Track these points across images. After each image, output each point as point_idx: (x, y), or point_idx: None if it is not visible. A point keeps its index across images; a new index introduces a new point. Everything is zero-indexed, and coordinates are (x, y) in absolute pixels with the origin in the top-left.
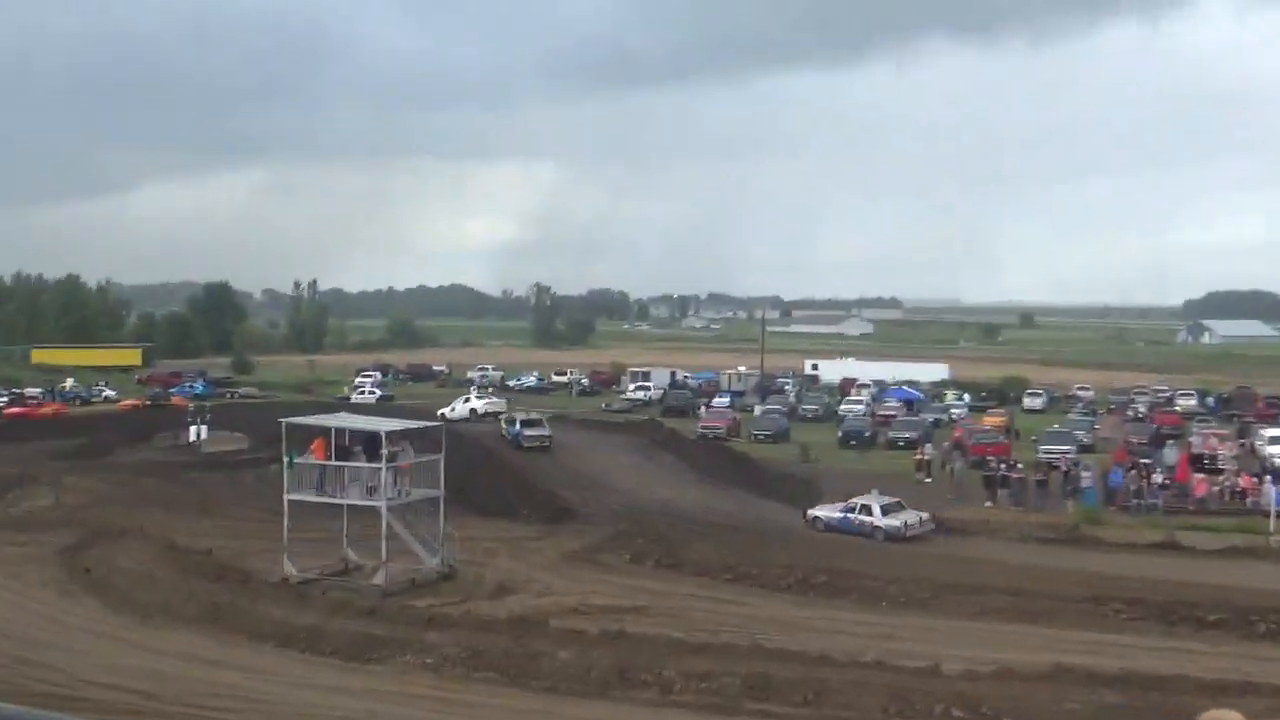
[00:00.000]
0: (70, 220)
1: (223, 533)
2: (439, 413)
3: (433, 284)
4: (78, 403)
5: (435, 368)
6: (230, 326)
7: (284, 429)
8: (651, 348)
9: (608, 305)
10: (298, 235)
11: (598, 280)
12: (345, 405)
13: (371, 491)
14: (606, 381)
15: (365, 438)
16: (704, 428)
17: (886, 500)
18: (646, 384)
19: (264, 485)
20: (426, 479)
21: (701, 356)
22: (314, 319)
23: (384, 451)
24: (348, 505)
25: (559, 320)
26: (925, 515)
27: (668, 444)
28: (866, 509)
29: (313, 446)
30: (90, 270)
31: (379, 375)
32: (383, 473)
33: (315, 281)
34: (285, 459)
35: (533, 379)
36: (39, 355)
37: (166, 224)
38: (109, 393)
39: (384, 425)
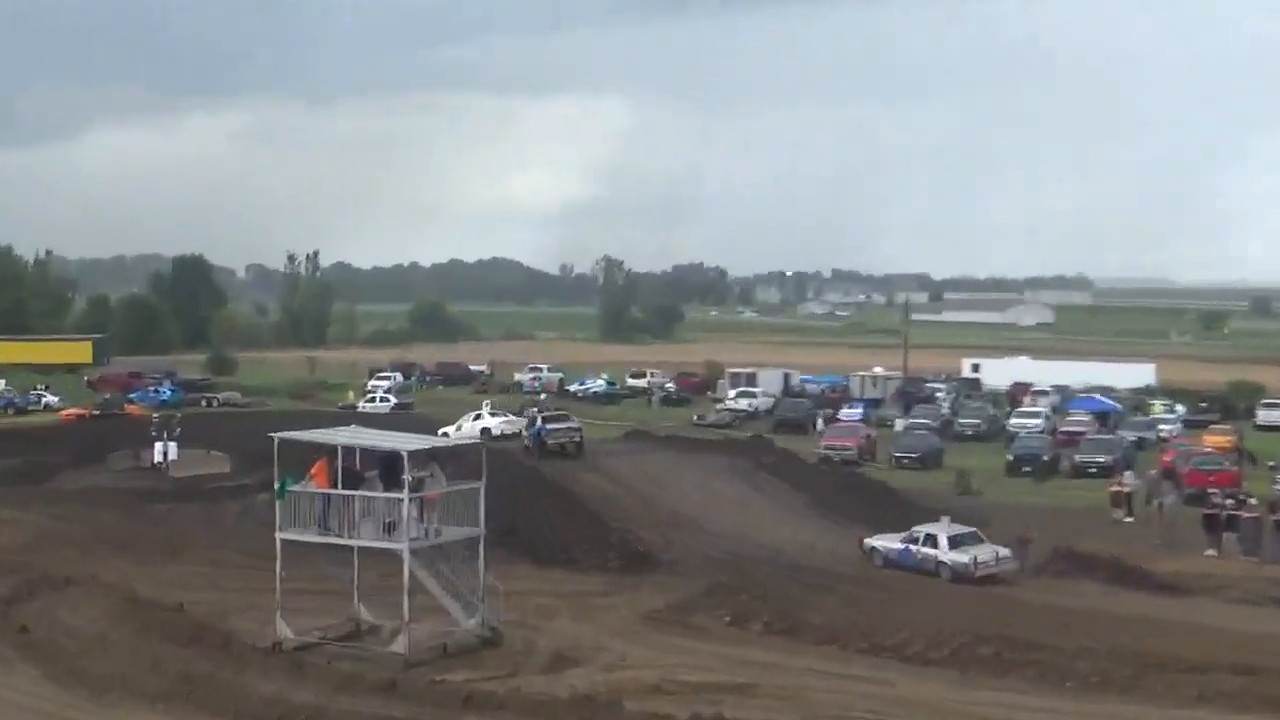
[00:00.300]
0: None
1: (197, 582)
2: (439, 431)
3: (469, 257)
4: (10, 412)
5: (473, 368)
6: (206, 313)
7: (276, 447)
8: (758, 342)
9: (699, 286)
10: (293, 195)
11: (686, 253)
12: (353, 416)
13: (390, 530)
14: (699, 387)
15: (382, 459)
16: (827, 448)
17: (958, 530)
18: (752, 390)
19: (250, 520)
20: (462, 514)
21: (824, 354)
22: (314, 303)
23: (406, 477)
24: (359, 548)
25: (635, 306)
26: (1005, 551)
27: (780, 469)
28: (931, 539)
29: (313, 470)
30: (24, 239)
31: (399, 377)
32: (405, 505)
33: (316, 254)
34: (277, 486)
35: (601, 383)
36: None
37: (123, 180)
38: (50, 399)
39: (407, 443)
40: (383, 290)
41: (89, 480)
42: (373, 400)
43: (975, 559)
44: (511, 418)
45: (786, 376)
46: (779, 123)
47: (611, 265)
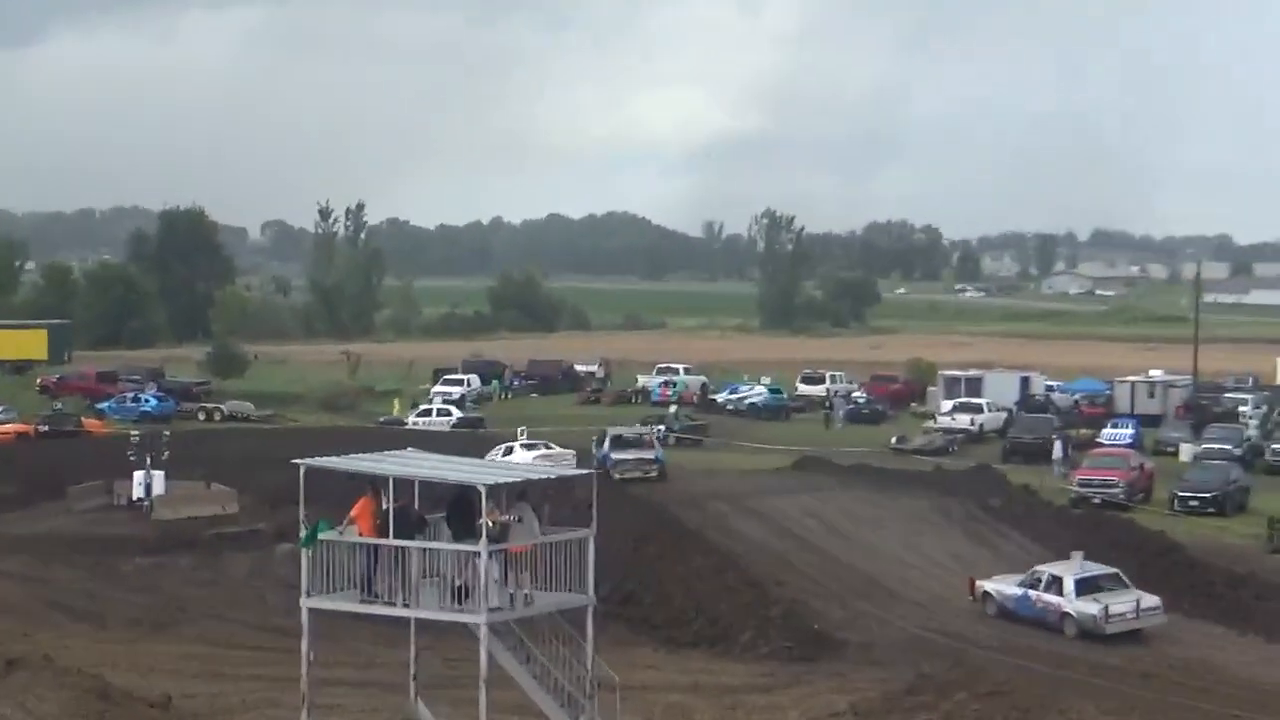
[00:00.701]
0: None
1: (191, 667)
2: None
3: (574, 212)
4: (42, 421)
5: (580, 368)
6: (206, 290)
7: (302, 478)
8: (985, 333)
9: (901, 253)
10: (328, 126)
11: (883, 208)
12: (403, 436)
13: (461, 595)
14: (899, 397)
15: (452, 496)
16: (1082, 484)
17: (1092, 570)
18: (975, 402)
19: (265, 580)
20: (562, 574)
21: (1079, 350)
22: (357, 277)
23: (484, 522)
24: (418, 621)
25: (810, 281)
26: (1152, 601)
27: (1013, 515)
28: (1056, 584)
29: (354, 511)
30: None
31: (475, 382)
32: (481, 561)
33: (360, 209)
34: (303, 534)
35: (761, 390)
36: None
37: (90, 106)
38: None
39: (485, 473)
40: (453, 259)
41: (42, 524)
42: (427, 413)
43: (1107, 610)
44: (555, 449)
45: (1025, 382)
46: (1011, 28)
47: (776, 224)
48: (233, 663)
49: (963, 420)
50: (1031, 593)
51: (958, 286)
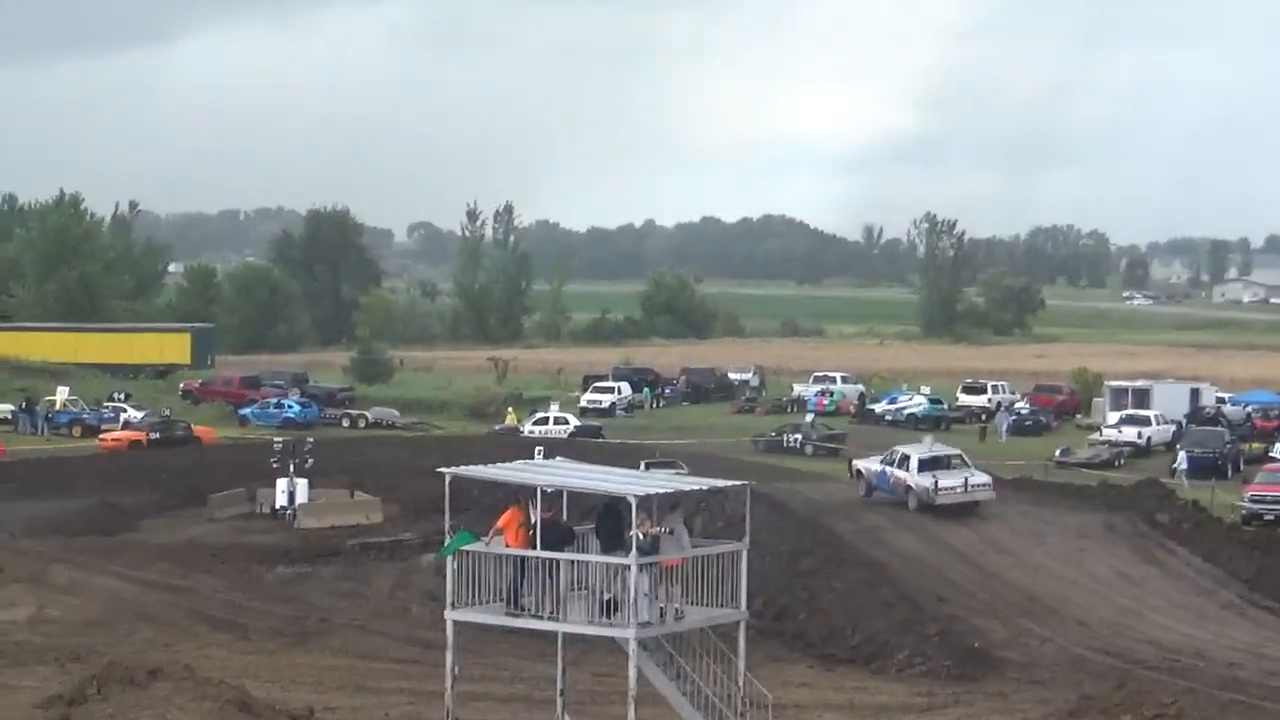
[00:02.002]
0: (54, 95)
1: (334, 679)
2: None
3: (729, 215)
4: (76, 432)
5: (735, 376)
6: (352, 292)
7: (448, 487)
8: (1154, 343)
9: (1066, 259)
10: (478, 126)
11: (1048, 212)
12: (520, 445)
13: (610, 610)
14: (1065, 406)
15: (601, 507)
16: (1255, 500)
17: (940, 451)
18: (1144, 414)
19: (409, 591)
20: (714, 588)
21: (1254, 361)
22: (506, 282)
23: (635, 533)
24: (566, 635)
25: (973, 288)
26: (983, 479)
27: (1184, 532)
28: (905, 461)
29: (501, 522)
30: (98, 187)
31: (627, 390)
32: (631, 574)
33: (509, 211)
34: (445, 541)
35: (921, 400)
36: (8, 341)
37: (234, 103)
38: (131, 413)
39: (635, 483)
40: (604, 262)
41: (183, 531)
42: (544, 422)
43: (937, 483)
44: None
45: (1195, 393)
46: (1185, 25)
47: (937, 228)
48: (376, 676)
49: (1130, 433)
50: (888, 469)
51: (1125, 294)
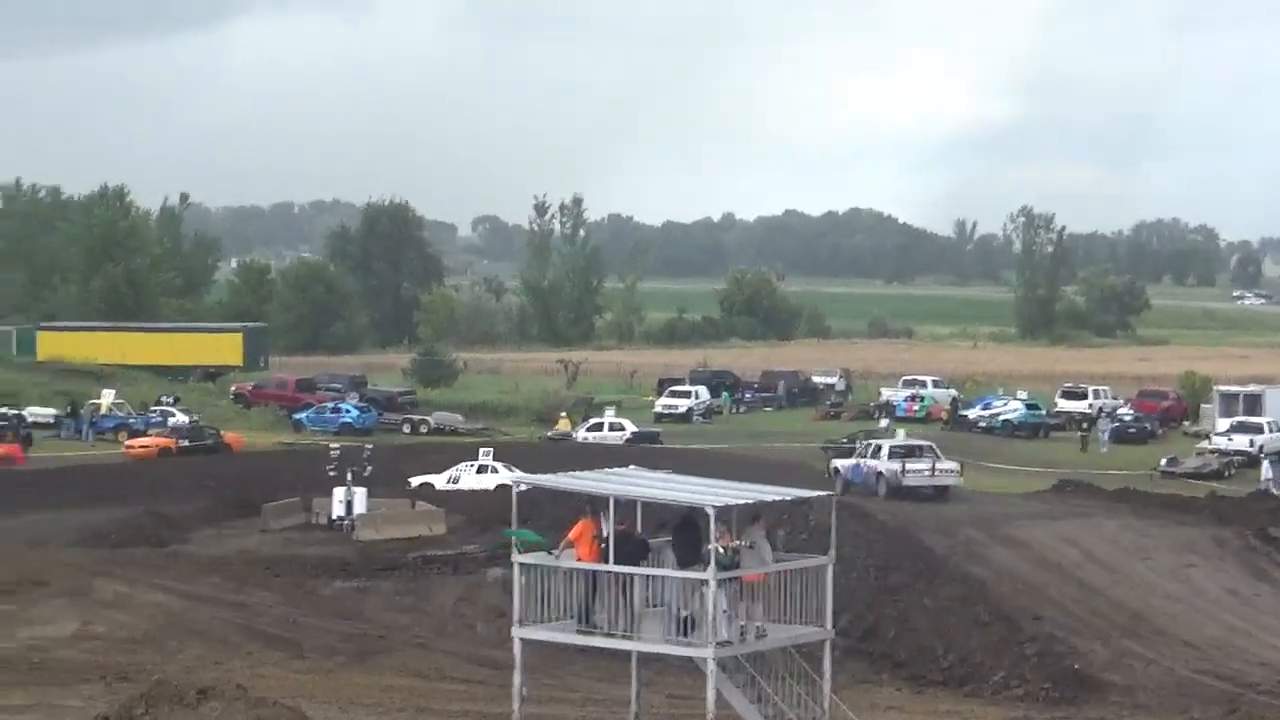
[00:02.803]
0: (101, 82)
1: (395, 700)
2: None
3: (813, 209)
4: (122, 436)
5: (819, 379)
6: (413, 290)
7: (515, 498)
8: (1265, 344)
9: (1173, 256)
10: (544, 114)
11: (1152, 206)
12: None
13: (687, 628)
14: (1171, 412)
15: (678, 519)
16: None
17: (911, 442)
18: (1255, 420)
19: (474, 607)
20: (798, 605)
21: None
22: (576, 279)
23: (714, 547)
24: (639, 653)
25: (1072, 286)
26: (951, 465)
27: None
28: (877, 450)
29: (572, 534)
30: (145, 179)
31: (704, 394)
32: (710, 590)
33: (579, 204)
34: (513, 551)
35: (1018, 405)
36: (52, 342)
37: (286, 91)
38: (179, 417)
39: (713, 493)
40: (680, 259)
41: (235, 543)
42: (598, 428)
43: (904, 466)
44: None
45: None
46: None
47: (1034, 223)
48: (439, 696)
49: (1240, 441)
50: (862, 461)
51: (1235, 293)
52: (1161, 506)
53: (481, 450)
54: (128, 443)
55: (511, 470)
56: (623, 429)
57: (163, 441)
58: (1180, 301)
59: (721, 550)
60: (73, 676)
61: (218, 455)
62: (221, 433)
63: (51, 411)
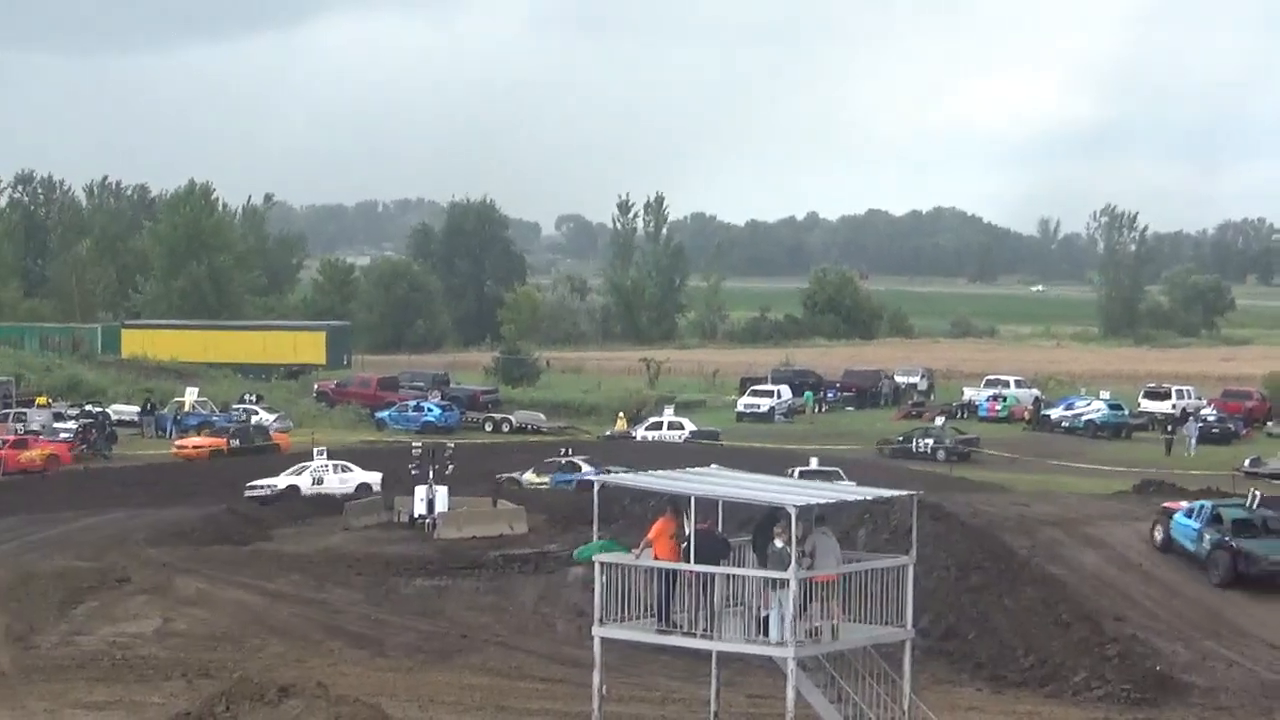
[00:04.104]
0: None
1: (474, 699)
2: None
3: (896, 209)
4: (202, 433)
5: (903, 378)
6: (496, 288)
7: (596, 495)
8: None
9: (1258, 256)
10: (629, 114)
11: (1240, 206)
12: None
13: (766, 627)
14: (1255, 413)
15: (760, 519)
16: None
17: (823, 468)
18: None
19: (555, 606)
20: (878, 605)
21: None
22: (659, 277)
23: (794, 547)
24: (719, 654)
25: (1156, 286)
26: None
27: None
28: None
29: (651, 533)
30: (230, 177)
31: (786, 393)
32: (790, 590)
33: (662, 202)
34: (595, 549)
35: (1100, 406)
36: (136, 340)
37: (370, 90)
38: (264, 416)
39: (793, 493)
40: (763, 258)
41: (317, 541)
42: (657, 426)
43: None
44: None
45: None
46: None
47: (1118, 222)
48: (519, 695)
49: None
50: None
51: None
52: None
53: (562, 450)
54: (177, 443)
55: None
56: (681, 427)
57: (214, 442)
58: (1265, 301)
59: (797, 550)
60: (155, 673)
61: (266, 456)
62: (271, 434)
63: (133, 409)
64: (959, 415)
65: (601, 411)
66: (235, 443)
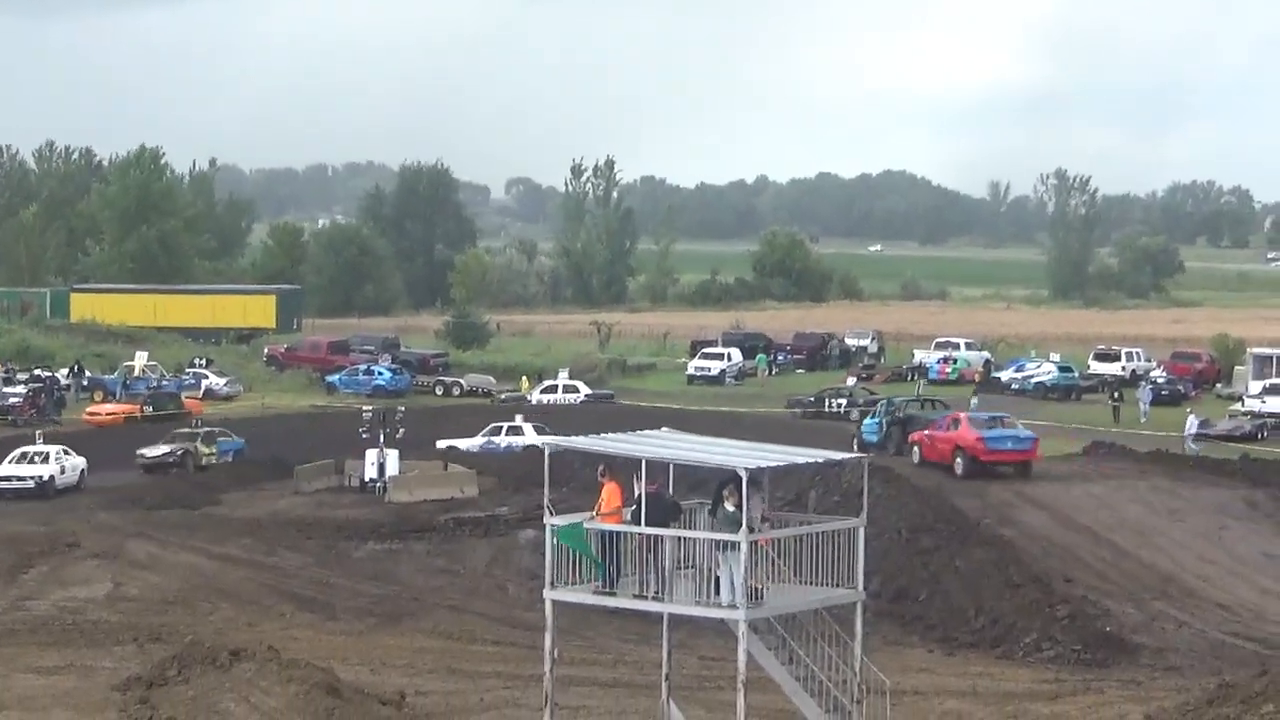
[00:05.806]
0: (133, 43)
1: (426, 662)
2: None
3: (846, 171)
4: (146, 405)
5: (853, 341)
6: (446, 252)
7: (547, 459)
8: None
9: (1206, 219)
10: (580, 76)
11: (1187, 168)
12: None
13: (717, 590)
14: (1204, 375)
15: (722, 483)
16: None
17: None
18: None
19: (506, 569)
20: (829, 567)
21: None
22: (609, 241)
23: (746, 511)
24: (670, 616)
25: (1105, 249)
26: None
27: None
28: (515, 431)
29: (602, 495)
30: (179, 141)
31: (737, 356)
32: (741, 554)
33: (612, 166)
34: (546, 514)
35: (1051, 367)
36: (84, 304)
37: (322, 55)
38: (215, 380)
39: (746, 455)
40: (713, 221)
41: (268, 505)
42: (553, 389)
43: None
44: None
45: None
46: None
47: (1067, 185)
48: (471, 658)
49: (1274, 403)
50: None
51: (1270, 255)
52: (1194, 470)
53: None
54: (89, 411)
55: (542, 432)
56: (576, 391)
57: (128, 408)
58: (1214, 264)
59: (732, 509)
60: (106, 638)
61: (180, 422)
62: (184, 400)
63: (85, 374)
64: (910, 378)
65: (551, 375)
66: (149, 409)
